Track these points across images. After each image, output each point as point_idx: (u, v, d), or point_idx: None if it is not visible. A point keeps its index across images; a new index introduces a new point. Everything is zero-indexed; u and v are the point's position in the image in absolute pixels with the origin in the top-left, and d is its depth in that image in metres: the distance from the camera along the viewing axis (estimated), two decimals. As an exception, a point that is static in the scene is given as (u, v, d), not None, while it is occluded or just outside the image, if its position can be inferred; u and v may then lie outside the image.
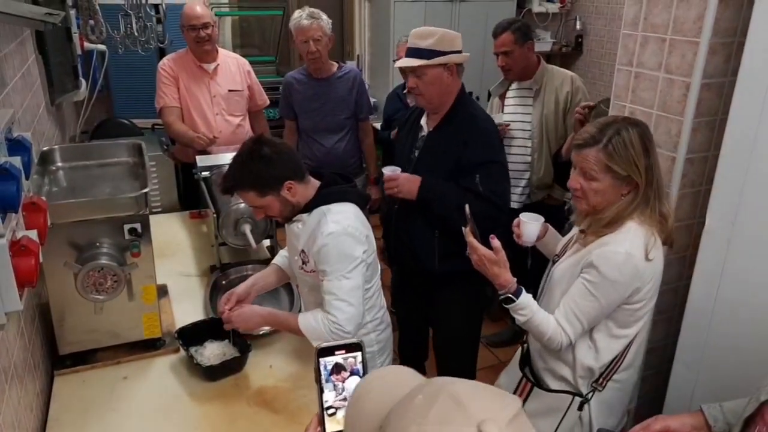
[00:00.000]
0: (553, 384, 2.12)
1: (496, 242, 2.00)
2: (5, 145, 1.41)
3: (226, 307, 2.21)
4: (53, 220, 1.81)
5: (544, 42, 7.25)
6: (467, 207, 2.04)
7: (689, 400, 2.32)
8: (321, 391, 1.15)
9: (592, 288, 1.91)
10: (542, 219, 2.24)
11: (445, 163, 2.64)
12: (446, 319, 2.95)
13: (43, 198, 1.56)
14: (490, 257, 2.00)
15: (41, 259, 1.36)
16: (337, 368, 1.15)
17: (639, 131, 1.90)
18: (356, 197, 2.25)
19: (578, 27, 7.20)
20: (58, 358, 2.16)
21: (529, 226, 2.20)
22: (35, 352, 1.99)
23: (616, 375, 2.04)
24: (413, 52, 2.60)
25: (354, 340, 1.19)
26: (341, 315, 2.07)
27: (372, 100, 4.46)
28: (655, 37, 2.27)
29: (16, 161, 1.35)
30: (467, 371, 3.02)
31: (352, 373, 1.16)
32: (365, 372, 1.17)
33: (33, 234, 1.37)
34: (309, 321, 2.13)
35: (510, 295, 1.99)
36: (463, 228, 2.05)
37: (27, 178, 1.46)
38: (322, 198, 2.17)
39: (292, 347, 2.32)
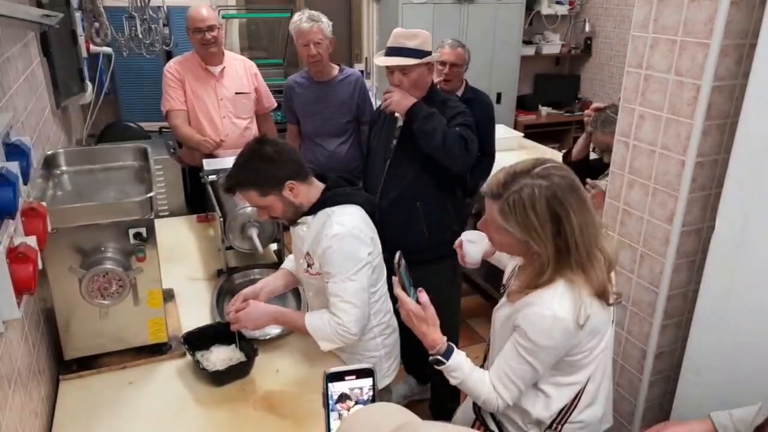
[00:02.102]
0: (511, 427, 1.94)
1: (423, 297, 1.81)
2: (2, 150, 1.40)
3: (233, 307, 2.21)
4: (58, 224, 1.80)
5: (553, 44, 7.25)
6: (398, 254, 1.81)
7: (697, 406, 2.29)
8: (328, 415, 1.13)
9: (524, 352, 1.73)
10: (486, 237, 1.99)
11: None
12: (429, 291, 3.05)
13: (43, 203, 1.55)
14: (418, 313, 1.80)
15: (40, 266, 1.35)
16: (343, 397, 1.13)
17: (549, 192, 1.63)
18: (362, 200, 2.24)
19: (587, 29, 7.20)
20: (64, 363, 2.15)
21: (472, 246, 2.06)
22: (40, 357, 1.99)
23: (573, 416, 1.86)
24: (400, 51, 2.81)
25: (366, 366, 1.16)
26: (346, 317, 2.08)
27: (379, 102, 4.45)
28: (665, 38, 2.24)
29: (13, 166, 1.34)
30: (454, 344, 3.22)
31: (358, 402, 1.14)
32: (374, 400, 1.15)
33: (32, 240, 1.36)
34: (315, 321, 2.14)
35: (440, 357, 1.82)
36: (393, 277, 1.84)
37: (25, 183, 1.45)
38: (326, 200, 2.17)
39: (299, 351, 2.31)
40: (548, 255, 1.67)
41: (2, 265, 1.18)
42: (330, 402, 1.12)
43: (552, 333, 1.68)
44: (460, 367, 1.82)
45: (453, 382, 1.84)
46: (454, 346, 1.85)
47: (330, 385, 1.12)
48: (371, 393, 1.14)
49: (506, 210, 1.66)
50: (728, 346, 2.17)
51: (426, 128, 2.77)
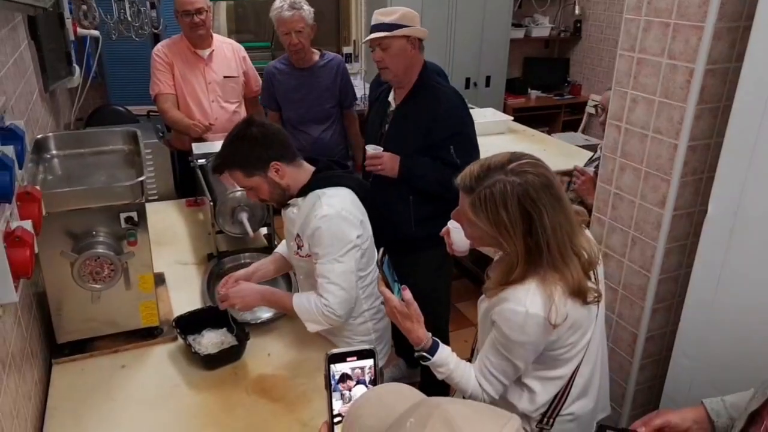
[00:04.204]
0: None
1: (407, 294, 1.80)
2: (-3, 135, 1.39)
3: (224, 288, 2.22)
4: (49, 209, 1.79)
5: (543, 27, 7.24)
6: (381, 250, 1.83)
7: (688, 389, 2.31)
8: (330, 397, 1.12)
9: (501, 348, 1.72)
10: None
11: (415, 135, 2.84)
12: (416, 279, 3.02)
13: (38, 187, 1.53)
14: (401, 311, 1.80)
15: (36, 249, 1.34)
16: (344, 377, 1.13)
17: (521, 190, 1.59)
18: (353, 183, 2.24)
19: (577, 12, 7.19)
20: (56, 346, 2.15)
21: (459, 234, 2.00)
22: (33, 341, 1.98)
23: (565, 409, 1.86)
24: (378, 28, 2.79)
25: (367, 347, 1.15)
26: (333, 299, 2.08)
27: (368, 85, 4.43)
28: (658, 21, 2.24)
29: (9, 150, 1.34)
30: (441, 331, 3.21)
31: (359, 382, 1.14)
32: (375, 380, 1.14)
33: (27, 224, 1.35)
34: (302, 302, 2.14)
35: (425, 354, 1.82)
36: (377, 274, 1.84)
37: (20, 168, 1.44)
38: (317, 182, 2.18)
39: (290, 335, 2.31)
40: (518, 253, 1.64)
41: None
42: (332, 382, 1.12)
43: (525, 329, 1.65)
44: (445, 363, 1.82)
45: (439, 377, 1.85)
46: (440, 342, 1.85)
47: (332, 366, 1.12)
48: (373, 373, 1.14)
49: (477, 205, 1.63)
50: (719, 329, 2.18)
51: (421, 186, 2.87)
